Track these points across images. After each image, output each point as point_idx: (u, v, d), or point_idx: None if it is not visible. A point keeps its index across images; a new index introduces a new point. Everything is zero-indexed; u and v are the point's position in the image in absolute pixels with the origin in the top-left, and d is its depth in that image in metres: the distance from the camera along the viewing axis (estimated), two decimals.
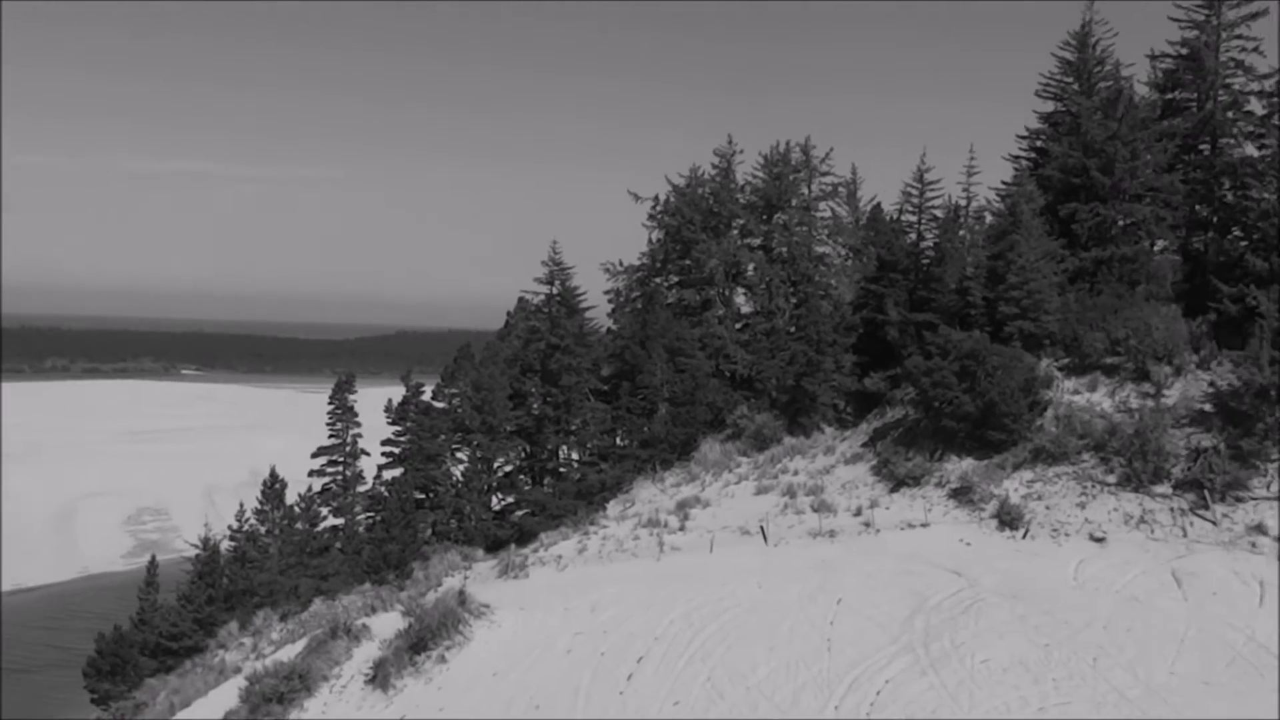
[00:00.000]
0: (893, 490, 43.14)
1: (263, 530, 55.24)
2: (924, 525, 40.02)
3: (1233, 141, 51.57)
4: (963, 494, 41.25)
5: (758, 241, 59.04)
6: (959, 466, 42.88)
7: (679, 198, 59.07)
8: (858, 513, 41.57)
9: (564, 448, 54.89)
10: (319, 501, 56.90)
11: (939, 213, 55.59)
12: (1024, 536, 38.46)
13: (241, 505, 57.08)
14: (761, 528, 41.60)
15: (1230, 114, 51.25)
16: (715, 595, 36.04)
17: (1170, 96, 53.29)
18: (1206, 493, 38.34)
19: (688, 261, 57.96)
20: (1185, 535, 37.27)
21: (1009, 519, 39.05)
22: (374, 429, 58.18)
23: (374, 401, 61.35)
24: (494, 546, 48.41)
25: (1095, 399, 43.71)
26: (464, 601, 37.41)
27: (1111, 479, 40.08)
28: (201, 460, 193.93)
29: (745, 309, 59.37)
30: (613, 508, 47.67)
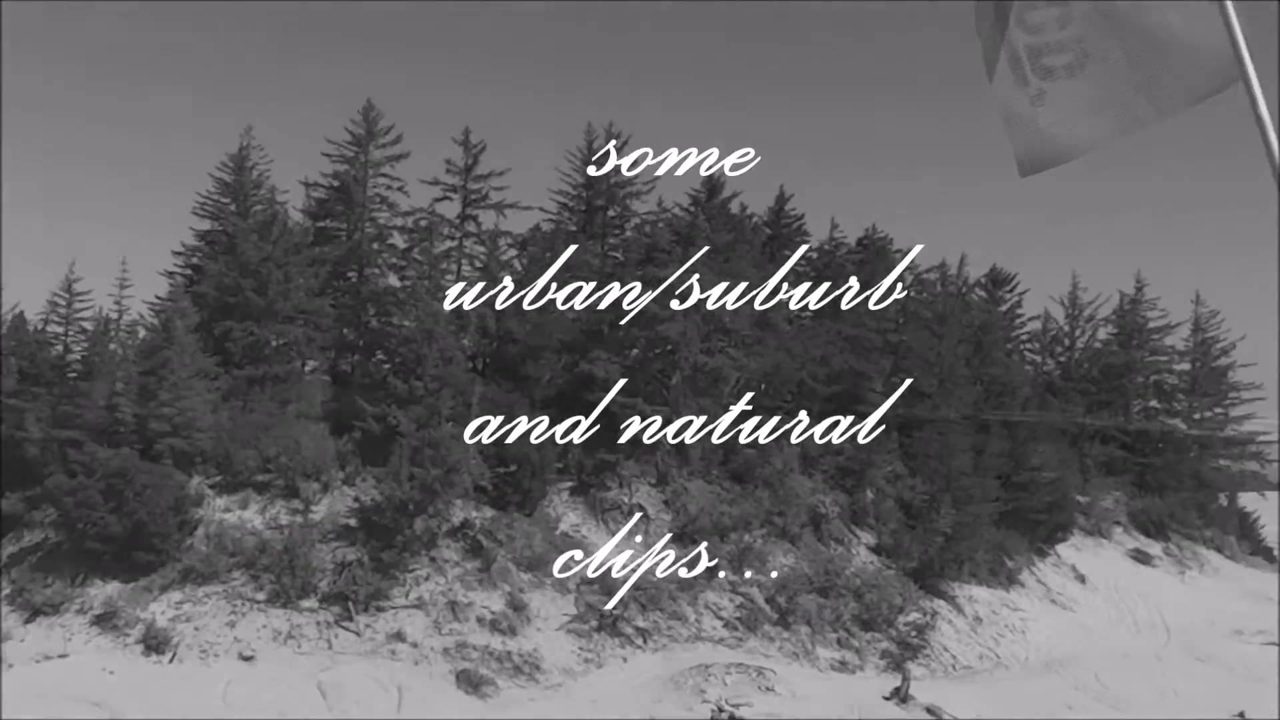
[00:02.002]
0: (29, 620, 39.71)
1: None
2: (63, 656, 37.30)
3: (378, 271, 55.55)
4: (107, 620, 39.07)
5: None
6: (104, 590, 40.66)
7: None
8: None
9: None
10: None
11: (89, 325, 53.17)
12: (171, 660, 37.30)
13: None
14: None
15: (376, 245, 55.25)
16: None
17: (323, 224, 56.19)
18: (350, 605, 40.02)
19: None
20: (330, 647, 38.51)
21: (155, 643, 37.67)
22: None
23: None
24: None
25: (247, 516, 43.94)
26: None
27: (261, 596, 40.37)
28: None
29: None
30: None
